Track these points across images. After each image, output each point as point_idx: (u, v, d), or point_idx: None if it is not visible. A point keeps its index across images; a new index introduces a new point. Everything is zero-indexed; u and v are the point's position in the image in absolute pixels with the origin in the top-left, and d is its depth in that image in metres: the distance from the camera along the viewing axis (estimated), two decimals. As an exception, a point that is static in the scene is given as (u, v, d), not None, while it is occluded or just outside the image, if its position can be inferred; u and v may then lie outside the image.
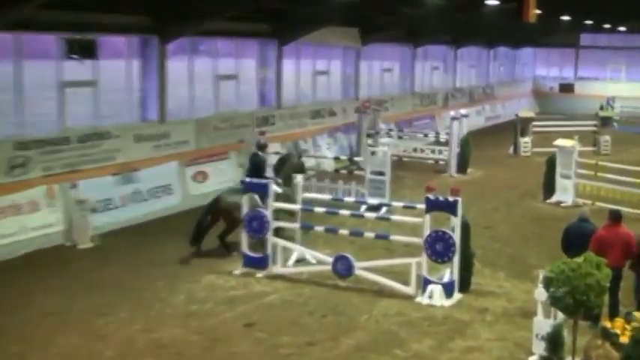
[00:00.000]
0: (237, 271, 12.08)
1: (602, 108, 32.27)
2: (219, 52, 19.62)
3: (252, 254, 12.15)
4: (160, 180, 16.24)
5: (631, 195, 16.20)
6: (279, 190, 12.74)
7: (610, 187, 16.74)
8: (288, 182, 13.34)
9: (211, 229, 13.03)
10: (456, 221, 10.76)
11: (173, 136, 17.19)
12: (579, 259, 7.86)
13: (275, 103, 21.78)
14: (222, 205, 12.89)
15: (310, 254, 12.23)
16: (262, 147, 14.24)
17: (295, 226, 12.41)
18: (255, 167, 13.83)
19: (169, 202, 16.23)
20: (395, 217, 12.28)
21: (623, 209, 14.85)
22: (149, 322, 10.00)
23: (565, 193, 17.48)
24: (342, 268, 11.42)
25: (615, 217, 9.82)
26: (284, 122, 21.64)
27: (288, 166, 13.78)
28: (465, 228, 10.99)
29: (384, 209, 15.23)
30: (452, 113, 22.51)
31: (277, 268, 12.03)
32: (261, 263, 12.04)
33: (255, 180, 12.52)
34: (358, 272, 11.41)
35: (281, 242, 12.15)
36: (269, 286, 11.45)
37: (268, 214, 11.98)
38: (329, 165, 21.04)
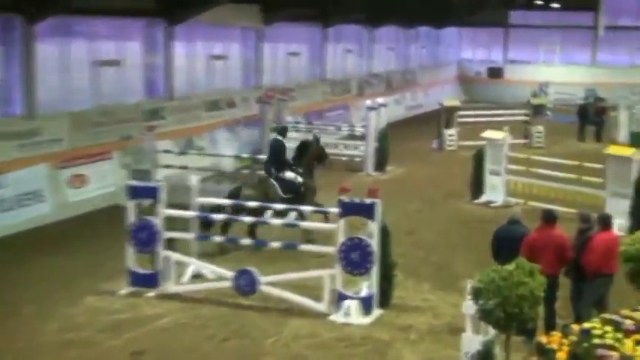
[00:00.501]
0: (122, 291, 11.82)
1: (534, 95, 33.47)
2: (98, 34, 19.15)
3: (139, 271, 11.90)
4: (28, 185, 15.77)
5: (566, 192, 16.81)
6: (299, 179, 14.19)
7: (544, 185, 17.31)
8: (308, 170, 14.52)
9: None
10: (374, 226, 10.86)
11: (43, 133, 16.67)
12: (510, 267, 8.06)
13: (165, 94, 21.47)
14: (243, 192, 13.77)
15: (208, 269, 12.11)
16: (283, 131, 15.23)
17: (189, 236, 12.26)
18: (275, 153, 14.60)
19: (40, 211, 15.81)
20: (305, 224, 12.28)
21: (558, 209, 15.44)
22: (15, 357, 9.61)
23: (494, 191, 18.00)
24: (245, 283, 11.36)
25: (548, 218, 10.13)
26: (175, 115, 21.35)
27: (309, 153, 14.84)
28: (385, 234, 11.11)
29: (292, 215, 15.24)
30: (368, 103, 22.77)
31: (170, 286, 11.87)
32: (150, 281, 11.82)
33: (142, 184, 12.30)
34: (263, 288, 11.37)
35: (174, 256, 11.97)
36: (161, 308, 11.29)
37: (158, 222, 11.77)
38: (229, 164, 20.91)
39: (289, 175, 14.54)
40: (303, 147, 15.12)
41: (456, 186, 19.78)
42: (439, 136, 26.23)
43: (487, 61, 44.27)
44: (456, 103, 27.56)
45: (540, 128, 27.01)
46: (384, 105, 23.02)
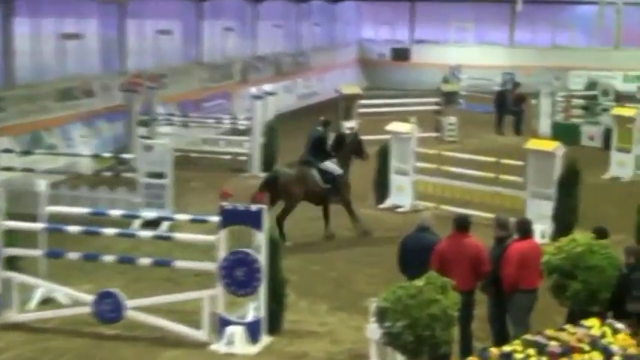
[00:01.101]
0: (-49, 324, 11.39)
1: (445, 81, 34.28)
2: None
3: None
4: None
5: (483, 194, 17.24)
6: (338, 170, 15.96)
7: (457, 185, 17.69)
8: (345, 165, 16.22)
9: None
10: (261, 238, 10.85)
11: None
12: (420, 282, 8.21)
13: (3, 81, 20.88)
14: (280, 179, 15.47)
15: (61, 292, 11.85)
16: (326, 123, 16.70)
17: (37, 253, 11.94)
18: (316, 144, 16.18)
19: None
20: (180, 236, 12.17)
21: (474, 213, 15.97)
22: None
23: (401, 194, 18.32)
24: (108, 309, 11.15)
25: (461, 225, 10.33)
26: (17, 107, 20.81)
27: (346, 147, 16.41)
28: (274, 246, 11.12)
29: (164, 225, 15.05)
30: (253, 91, 22.81)
31: (12, 315, 11.56)
32: (-13, 310, 11.46)
33: None
34: (130, 314, 11.20)
35: (17, 277, 11.64)
36: (1, 341, 10.98)
37: (-4, 239, 11.42)
38: (86, 166, 20.49)
39: (329, 165, 16.18)
40: (341, 140, 16.75)
41: (358, 188, 19.86)
42: (337, 129, 26.42)
43: (391, 41, 45.00)
44: (356, 90, 27.88)
45: (453, 119, 27.66)
46: (272, 93, 23.10)
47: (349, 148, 16.57)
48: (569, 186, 15.68)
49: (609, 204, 18.61)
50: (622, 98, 28.21)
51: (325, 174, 16.04)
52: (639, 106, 22.97)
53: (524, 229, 10.39)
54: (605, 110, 26.06)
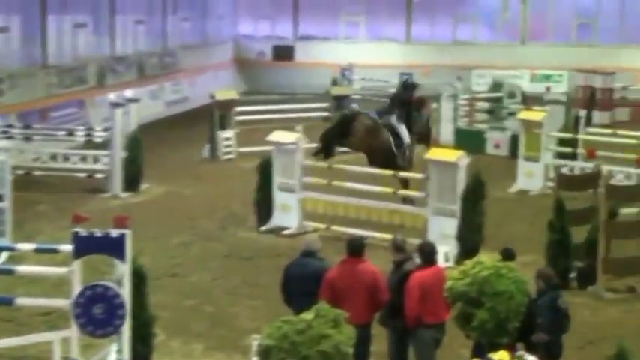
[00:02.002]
0: None
1: (335, 82, 34.61)
2: None
3: None
4: None
5: (380, 213, 17.46)
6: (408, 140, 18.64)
7: (352, 203, 17.81)
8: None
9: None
10: (123, 269, 10.74)
11: None
12: (309, 315, 8.27)
13: None
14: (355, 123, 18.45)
15: None
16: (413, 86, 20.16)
17: None
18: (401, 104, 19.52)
19: None
20: (23, 268, 11.91)
21: (371, 234, 16.25)
22: None
23: (287, 214, 18.37)
24: None
25: (354, 249, 10.46)
26: None
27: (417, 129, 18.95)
28: (139, 278, 11.01)
29: (3, 255, 14.73)
30: (112, 97, 22.56)
31: None
32: None
33: None
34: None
35: None
36: None
37: None
38: None
39: (404, 131, 18.96)
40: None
41: (237, 208, 20.02)
42: (212, 140, 26.42)
43: (272, 37, 45.11)
44: (232, 95, 27.85)
45: (344, 127, 27.90)
46: (134, 100, 22.84)
47: (419, 132, 19.29)
48: (474, 201, 16.03)
49: (517, 220, 19.15)
50: (529, 100, 29.07)
51: (397, 138, 18.65)
52: (548, 109, 23.60)
53: (428, 255, 10.57)
54: (512, 114, 26.78)
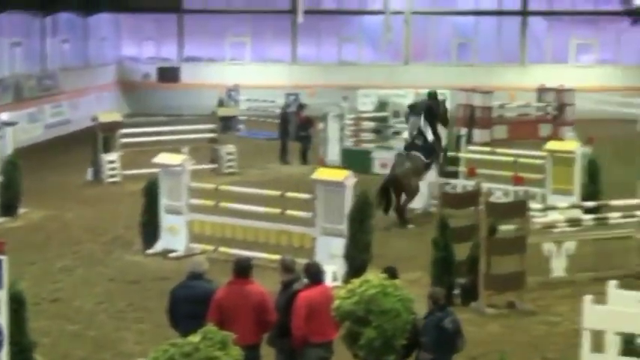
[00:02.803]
0: None
1: (221, 104, 34.66)
2: None
3: None
4: None
5: (268, 233, 17.49)
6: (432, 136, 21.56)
7: (239, 224, 17.82)
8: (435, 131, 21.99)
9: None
10: (0, 294, 10.52)
11: None
12: (196, 338, 8.26)
13: None
14: (398, 175, 20.72)
15: None
16: (434, 94, 22.25)
17: None
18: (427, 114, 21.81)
19: None
20: None
21: (259, 255, 16.28)
22: None
23: (174, 236, 18.28)
24: None
25: (241, 270, 10.44)
26: None
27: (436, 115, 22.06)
28: (17, 304, 10.78)
29: None
30: (-13, 121, 22.13)
31: None
32: None
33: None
34: None
35: None
36: None
37: None
38: None
39: (429, 134, 21.65)
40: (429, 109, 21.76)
41: (122, 232, 19.86)
42: (95, 163, 26.09)
43: (157, 59, 44.95)
44: (116, 117, 27.55)
45: (231, 148, 27.99)
46: (11, 123, 22.43)
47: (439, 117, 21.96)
48: (361, 220, 16.20)
49: (404, 239, 19.44)
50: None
51: (425, 150, 21.39)
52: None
53: (314, 275, 10.64)
54: (397, 133, 27.18)
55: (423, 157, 21.29)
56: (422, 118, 21.68)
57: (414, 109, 22.45)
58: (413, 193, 21.02)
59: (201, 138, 27.65)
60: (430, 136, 21.64)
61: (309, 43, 44.46)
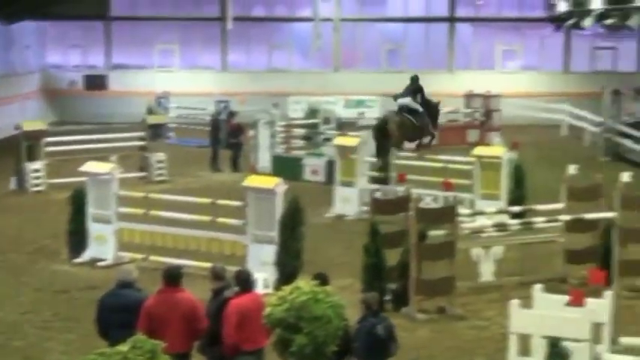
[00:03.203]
0: None
1: (150, 111, 34.45)
2: None
3: None
4: None
5: (199, 241, 17.43)
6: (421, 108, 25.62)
7: (170, 232, 17.75)
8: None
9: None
10: None
11: None
12: (125, 347, 8.21)
13: None
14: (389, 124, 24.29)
15: None
16: (416, 78, 26.18)
17: None
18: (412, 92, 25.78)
19: None
20: None
21: (189, 263, 16.22)
22: None
23: (102, 245, 18.11)
24: None
25: (171, 278, 10.42)
26: None
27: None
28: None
29: None
30: None
31: None
32: None
33: None
34: None
35: None
36: None
37: None
38: None
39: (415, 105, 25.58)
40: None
41: (48, 241, 19.63)
42: (19, 172, 25.74)
43: (84, 67, 44.49)
44: (40, 126, 27.16)
45: (161, 156, 27.84)
46: None
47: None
48: (292, 227, 16.23)
49: (335, 245, 19.52)
50: (344, 126, 29.68)
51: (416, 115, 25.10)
52: (362, 135, 24.17)
53: (244, 282, 10.65)
54: (328, 140, 27.29)
55: (413, 120, 25.15)
56: (409, 98, 25.32)
57: (400, 95, 25.76)
58: (396, 140, 24.37)
59: (130, 146, 27.43)
60: (419, 108, 25.38)
61: (239, 51, 44.36)
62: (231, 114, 31.67)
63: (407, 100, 25.32)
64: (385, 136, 24.19)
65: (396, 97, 25.95)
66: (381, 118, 25.13)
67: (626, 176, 16.36)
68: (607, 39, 43.28)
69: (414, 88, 25.72)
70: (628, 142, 31.87)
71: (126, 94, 42.00)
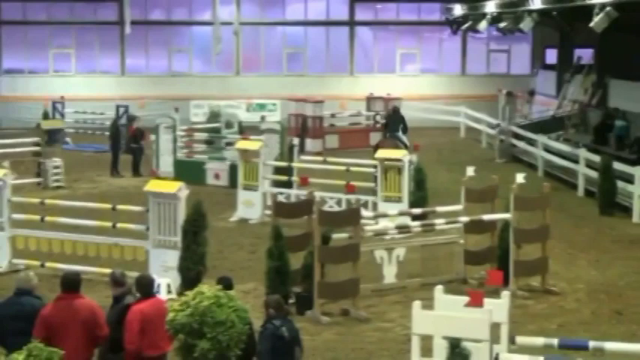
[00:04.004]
0: None
1: (46, 116, 33.86)
2: None
3: None
4: None
5: (99, 247, 17.10)
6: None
7: (68, 238, 17.41)
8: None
9: None
10: None
11: None
12: (20, 355, 8.02)
13: None
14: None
15: None
16: (397, 109, 30.80)
17: None
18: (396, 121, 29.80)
19: None
20: None
21: (89, 269, 15.99)
22: None
23: (-4, 253, 17.78)
24: None
25: (69, 285, 10.20)
26: None
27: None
28: None
29: None
30: None
31: None
32: None
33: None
34: None
35: None
36: None
37: None
38: None
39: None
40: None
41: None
42: None
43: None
44: None
45: (58, 161, 27.43)
46: None
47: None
48: (195, 232, 16.08)
49: (239, 249, 19.47)
50: (246, 129, 29.63)
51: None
52: (264, 138, 24.13)
53: (145, 288, 10.54)
54: (230, 144, 27.18)
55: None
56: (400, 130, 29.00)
57: (390, 122, 30.18)
58: None
59: (25, 152, 26.88)
60: (405, 141, 27.86)
61: (138, 55, 43.86)
62: (131, 118, 31.34)
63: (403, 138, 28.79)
64: None
65: (386, 131, 30.07)
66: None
67: (519, 177, 16.59)
68: (501, 42, 44.02)
69: (400, 119, 29.74)
70: (521, 144, 32.46)
71: (19, 99, 41.18)
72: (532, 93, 41.41)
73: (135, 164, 29.13)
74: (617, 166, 23.77)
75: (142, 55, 43.89)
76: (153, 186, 16.89)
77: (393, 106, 32.12)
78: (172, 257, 16.15)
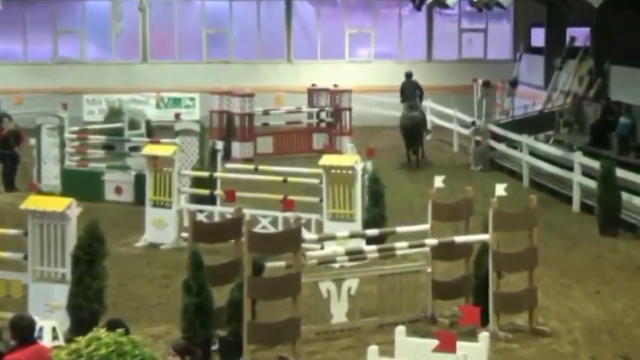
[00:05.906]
0: None
1: None
2: None
3: None
4: None
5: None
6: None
7: None
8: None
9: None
10: None
11: None
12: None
13: None
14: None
15: None
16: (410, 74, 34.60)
17: None
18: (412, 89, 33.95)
19: None
20: None
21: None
22: None
23: None
24: None
25: None
26: None
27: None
28: None
29: None
30: None
31: None
32: None
33: None
34: None
35: None
36: None
37: None
38: None
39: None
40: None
41: None
42: None
43: None
44: None
45: None
46: None
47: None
48: (89, 262, 15.78)
49: (147, 282, 19.46)
50: (156, 131, 29.48)
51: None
52: (179, 142, 23.95)
53: (22, 332, 10.45)
54: (135, 149, 26.96)
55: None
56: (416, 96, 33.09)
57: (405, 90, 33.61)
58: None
59: None
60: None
61: (14, 38, 43.35)
62: (3, 118, 30.96)
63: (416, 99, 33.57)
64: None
65: (403, 98, 33.36)
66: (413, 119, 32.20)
67: (500, 189, 16.53)
68: (476, 20, 44.26)
69: (415, 85, 33.63)
70: (502, 147, 32.53)
71: None
72: (514, 83, 41.56)
73: (8, 176, 28.83)
74: (621, 173, 23.92)
75: (17, 38, 43.46)
76: (33, 203, 16.67)
77: (405, 72, 35.00)
78: (59, 293, 15.95)
